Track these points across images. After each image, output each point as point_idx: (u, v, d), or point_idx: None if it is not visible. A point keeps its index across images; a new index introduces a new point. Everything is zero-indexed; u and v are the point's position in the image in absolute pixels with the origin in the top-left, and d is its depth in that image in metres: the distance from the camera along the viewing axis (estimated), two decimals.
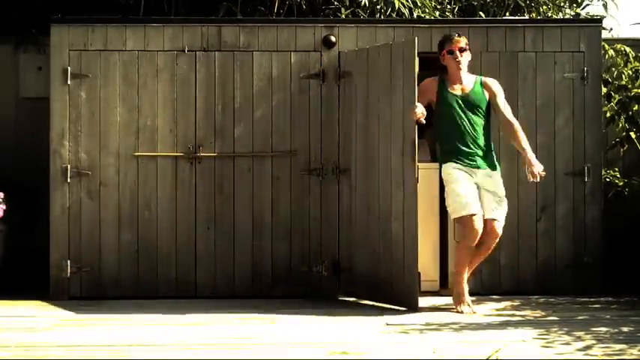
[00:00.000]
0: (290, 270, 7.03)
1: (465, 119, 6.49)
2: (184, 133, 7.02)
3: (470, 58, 6.61)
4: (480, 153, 6.49)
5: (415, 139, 6.40)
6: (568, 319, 6.07)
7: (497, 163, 6.58)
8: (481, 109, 6.52)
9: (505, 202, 6.50)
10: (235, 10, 8.38)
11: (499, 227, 6.44)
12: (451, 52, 6.52)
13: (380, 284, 6.70)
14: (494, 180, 6.51)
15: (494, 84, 6.62)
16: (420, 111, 6.35)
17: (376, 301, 6.72)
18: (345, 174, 7.00)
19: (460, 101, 6.52)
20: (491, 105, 6.57)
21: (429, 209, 6.91)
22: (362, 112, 6.89)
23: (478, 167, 6.48)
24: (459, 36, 6.59)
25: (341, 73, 7.03)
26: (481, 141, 6.49)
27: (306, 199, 7.04)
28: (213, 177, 7.03)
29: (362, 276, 6.88)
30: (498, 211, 6.46)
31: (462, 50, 6.52)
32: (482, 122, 6.52)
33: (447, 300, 6.67)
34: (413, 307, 6.39)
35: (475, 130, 6.48)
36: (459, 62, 6.51)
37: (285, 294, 6.96)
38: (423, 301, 6.57)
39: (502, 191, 6.52)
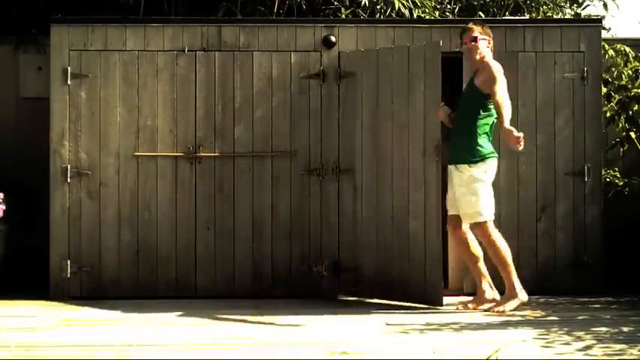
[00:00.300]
0: (290, 270, 7.03)
1: (459, 111, 6.46)
2: (184, 133, 7.02)
3: (487, 45, 6.45)
4: (456, 145, 6.41)
5: (439, 138, 6.42)
6: (568, 319, 6.07)
7: (470, 158, 6.32)
8: (469, 98, 6.41)
9: (466, 199, 6.30)
10: (235, 10, 8.38)
11: (465, 228, 6.43)
12: (464, 44, 6.48)
13: (394, 283, 6.71)
14: (455, 178, 6.38)
15: (487, 69, 6.33)
16: (443, 111, 6.40)
17: (389, 300, 6.72)
18: (347, 174, 6.99)
19: (463, 93, 6.55)
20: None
21: None
22: (370, 113, 6.89)
23: (449, 162, 6.46)
24: (474, 24, 6.51)
25: (342, 73, 7.03)
26: (461, 132, 6.38)
27: (306, 200, 7.04)
28: (213, 177, 7.03)
29: (369, 276, 6.87)
30: (461, 212, 6.39)
31: (474, 40, 6.43)
32: (468, 112, 6.36)
33: (447, 300, 6.66)
34: (438, 304, 6.43)
35: (460, 121, 6.42)
36: (471, 53, 6.44)
37: (285, 294, 6.96)
38: None
39: (462, 190, 6.31)
